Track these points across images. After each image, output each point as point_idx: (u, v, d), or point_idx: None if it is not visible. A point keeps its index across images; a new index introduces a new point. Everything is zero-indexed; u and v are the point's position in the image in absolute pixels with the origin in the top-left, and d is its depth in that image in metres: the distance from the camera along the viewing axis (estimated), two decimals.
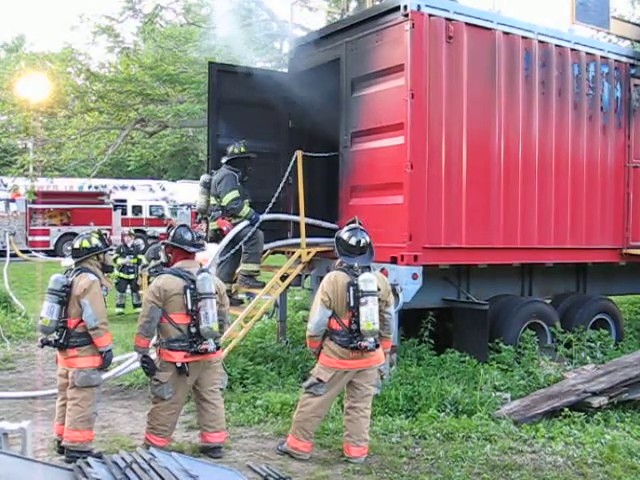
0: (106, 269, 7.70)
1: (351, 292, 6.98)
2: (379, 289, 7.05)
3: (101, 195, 36.52)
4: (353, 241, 7.28)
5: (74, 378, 6.99)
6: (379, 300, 7.01)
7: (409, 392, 8.74)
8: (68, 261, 7.48)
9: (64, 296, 7.00)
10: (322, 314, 7.07)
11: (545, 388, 9.09)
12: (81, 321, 6.99)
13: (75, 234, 7.91)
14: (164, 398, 7.11)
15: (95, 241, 7.33)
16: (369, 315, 6.86)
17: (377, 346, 7.05)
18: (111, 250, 7.87)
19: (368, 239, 7.37)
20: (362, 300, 6.89)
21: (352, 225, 7.52)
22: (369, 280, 6.96)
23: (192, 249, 7.44)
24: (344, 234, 7.37)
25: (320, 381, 7.13)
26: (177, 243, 7.43)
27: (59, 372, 7.30)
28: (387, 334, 7.34)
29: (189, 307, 7.06)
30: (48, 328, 6.99)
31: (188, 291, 7.07)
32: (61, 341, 7.04)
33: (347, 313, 7.04)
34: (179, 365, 7.04)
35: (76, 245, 7.31)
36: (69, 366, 7.06)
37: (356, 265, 7.13)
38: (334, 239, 7.49)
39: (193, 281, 7.10)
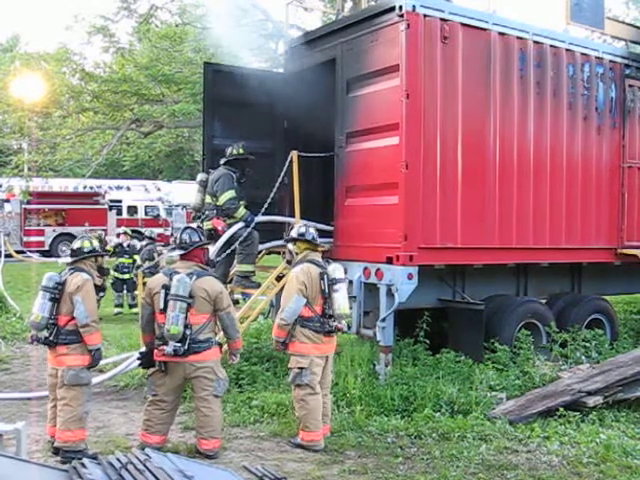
0: (102, 272, 7.75)
1: (325, 280, 7.62)
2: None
3: (96, 195, 36.45)
4: (312, 230, 8.07)
5: (63, 377, 7.03)
6: None
7: (405, 392, 8.75)
8: (67, 259, 7.55)
9: (56, 293, 7.09)
10: (298, 302, 7.56)
11: (540, 388, 9.11)
12: (72, 319, 7.06)
13: (70, 234, 7.99)
14: (149, 392, 7.36)
15: (95, 243, 7.50)
16: (342, 300, 7.61)
17: (349, 327, 7.82)
18: (108, 253, 7.99)
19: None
20: (335, 287, 7.62)
21: (300, 224, 8.41)
22: (338, 269, 7.76)
23: (177, 250, 7.57)
24: (301, 229, 8.04)
25: (301, 369, 7.48)
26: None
27: (49, 372, 7.33)
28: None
29: (161, 306, 7.14)
30: (39, 324, 7.08)
31: (163, 291, 7.14)
32: (51, 338, 7.11)
33: (320, 300, 7.64)
34: (157, 363, 7.22)
35: (76, 245, 7.43)
36: (58, 364, 7.11)
37: (323, 251, 7.98)
38: (292, 241, 8.09)
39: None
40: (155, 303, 7.23)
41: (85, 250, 7.36)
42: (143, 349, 7.64)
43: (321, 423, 7.54)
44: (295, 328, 7.57)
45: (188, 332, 7.03)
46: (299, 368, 7.51)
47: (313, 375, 7.52)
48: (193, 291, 7.12)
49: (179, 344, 6.99)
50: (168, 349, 6.99)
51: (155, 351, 7.23)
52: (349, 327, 7.91)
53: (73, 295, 7.02)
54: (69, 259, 7.48)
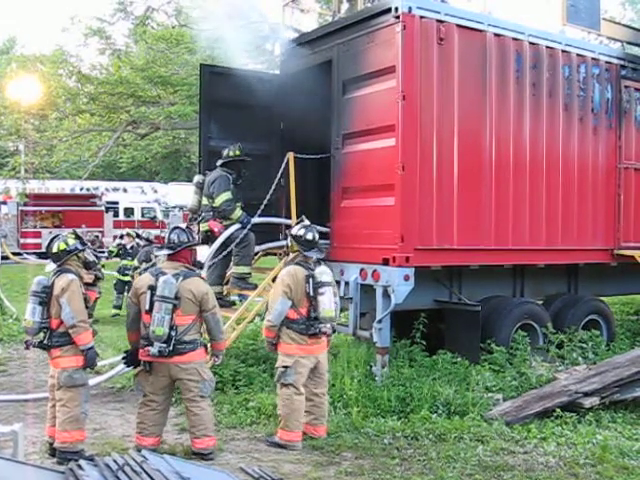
0: (89, 266, 7.66)
1: (310, 283, 7.68)
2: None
3: (93, 197, 36.40)
4: (310, 236, 7.99)
5: (58, 378, 7.04)
6: None
7: (401, 393, 8.75)
8: (51, 266, 7.41)
9: (44, 297, 7.07)
10: (284, 304, 7.67)
11: (537, 389, 9.11)
12: (62, 321, 7.02)
13: None
14: (137, 392, 7.43)
15: (72, 242, 7.33)
16: (327, 303, 7.61)
17: (334, 331, 7.83)
18: (90, 248, 7.86)
19: (318, 235, 8.19)
20: (320, 290, 7.64)
21: (304, 223, 8.23)
22: (325, 272, 7.78)
23: (164, 250, 7.56)
24: (300, 231, 8.03)
25: (285, 368, 7.62)
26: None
27: (50, 373, 7.33)
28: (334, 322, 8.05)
29: (147, 307, 7.13)
30: (32, 329, 7.08)
31: (149, 291, 7.14)
32: (45, 342, 7.12)
33: (305, 303, 7.71)
34: (142, 363, 7.23)
35: (54, 249, 7.30)
36: (55, 367, 7.12)
37: (313, 257, 7.93)
38: (290, 236, 8.14)
39: None
40: (141, 303, 7.23)
41: (64, 251, 7.25)
42: (127, 349, 7.64)
43: (301, 424, 7.63)
44: (282, 329, 7.72)
45: (173, 333, 7.03)
46: (283, 367, 7.65)
47: (298, 375, 7.62)
48: (179, 292, 7.10)
49: (164, 345, 6.99)
50: (153, 350, 7.00)
51: (140, 351, 7.23)
52: (334, 330, 7.92)
53: (59, 298, 7.00)
54: (53, 265, 7.34)
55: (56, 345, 7.06)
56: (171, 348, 7.01)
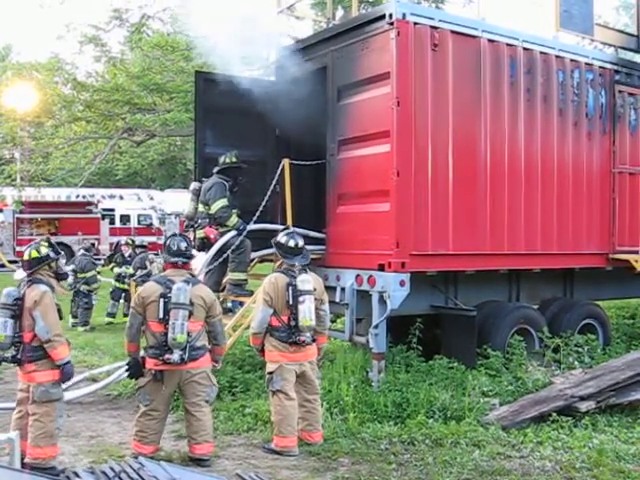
0: (60, 277, 7.49)
1: (290, 291, 7.70)
2: (315, 289, 7.84)
3: (89, 204, 36.40)
4: (292, 244, 8.02)
5: (33, 393, 6.82)
6: (315, 299, 7.78)
7: (398, 398, 8.75)
8: (21, 274, 7.20)
9: (16, 310, 6.82)
10: (264, 312, 7.73)
11: (533, 393, 9.11)
12: (36, 334, 6.80)
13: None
14: (142, 403, 7.31)
15: (45, 250, 7.11)
16: (307, 312, 7.63)
17: (314, 340, 7.83)
18: (63, 256, 7.65)
19: (303, 242, 8.15)
20: (300, 299, 7.64)
21: (288, 230, 8.36)
22: (306, 280, 7.76)
23: (172, 259, 7.48)
24: (282, 238, 8.09)
25: (270, 374, 7.67)
26: (164, 253, 7.59)
27: (20, 387, 7.11)
28: (322, 330, 8.10)
29: (160, 315, 7.09)
30: (3, 344, 6.81)
31: (162, 299, 7.12)
32: (18, 356, 6.86)
33: (286, 311, 7.72)
34: (153, 372, 7.19)
35: (25, 256, 7.07)
36: (29, 381, 6.88)
37: (297, 264, 7.90)
38: (273, 244, 8.22)
39: (171, 290, 7.14)
40: (149, 312, 7.21)
41: (35, 259, 7.02)
42: (128, 360, 7.59)
43: (295, 430, 7.63)
44: (266, 336, 7.78)
45: (189, 339, 7.07)
46: (269, 373, 7.71)
47: (284, 381, 7.64)
48: (191, 299, 7.15)
49: (182, 352, 7.03)
50: (174, 357, 7.01)
51: (152, 361, 7.19)
52: (313, 340, 7.86)
53: (32, 310, 6.76)
54: (22, 273, 7.13)
55: (30, 359, 6.81)
56: (187, 354, 7.06)
